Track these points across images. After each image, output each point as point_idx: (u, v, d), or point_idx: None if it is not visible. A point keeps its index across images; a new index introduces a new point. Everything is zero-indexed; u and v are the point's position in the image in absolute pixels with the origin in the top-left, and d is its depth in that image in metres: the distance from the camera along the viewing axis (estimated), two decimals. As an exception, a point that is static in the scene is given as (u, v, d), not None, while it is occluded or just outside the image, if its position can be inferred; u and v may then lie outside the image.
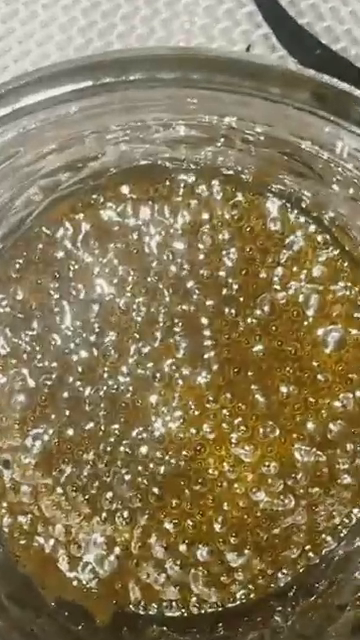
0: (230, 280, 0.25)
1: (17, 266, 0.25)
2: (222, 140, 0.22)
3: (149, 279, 0.25)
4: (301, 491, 0.25)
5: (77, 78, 0.17)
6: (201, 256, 0.25)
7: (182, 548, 0.25)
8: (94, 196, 0.24)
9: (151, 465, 0.25)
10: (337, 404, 0.25)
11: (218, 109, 0.19)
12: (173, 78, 0.16)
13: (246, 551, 0.25)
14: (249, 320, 0.25)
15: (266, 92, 0.18)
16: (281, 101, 0.18)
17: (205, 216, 0.25)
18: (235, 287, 0.25)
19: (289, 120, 0.19)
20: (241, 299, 0.25)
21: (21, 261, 0.25)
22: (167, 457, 0.25)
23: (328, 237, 0.25)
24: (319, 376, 0.25)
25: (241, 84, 0.18)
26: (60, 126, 0.18)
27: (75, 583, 0.25)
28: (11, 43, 0.27)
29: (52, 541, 0.25)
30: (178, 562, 0.25)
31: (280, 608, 0.24)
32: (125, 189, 0.24)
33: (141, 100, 0.18)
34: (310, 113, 0.19)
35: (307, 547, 0.25)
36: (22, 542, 0.25)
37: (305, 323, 0.25)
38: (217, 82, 0.17)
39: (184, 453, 0.25)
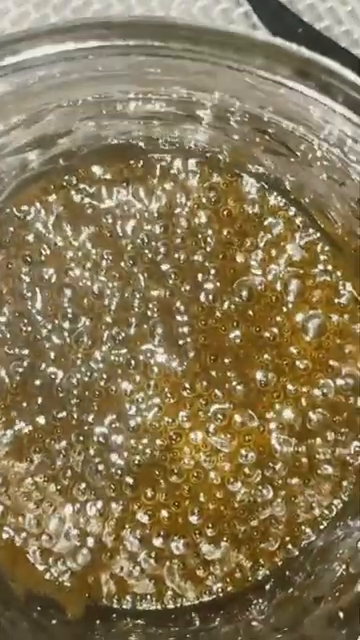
0: (207, 264, 0.24)
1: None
2: (196, 117, 0.21)
3: (123, 263, 0.24)
4: (280, 482, 0.24)
5: (35, 43, 0.16)
6: (177, 240, 0.24)
7: (157, 540, 0.24)
8: (66, 177, 0.24)
9: (125, 454, 0.24)
10: (317, 392, 0.24)
11: (184, 81, 0.18)
12: (133, 45, 0.16)
13: (223, 544, 0.24)
14: (226, 306, 0.24)
15: (244, 64, 0.17)
16: (258, 75, 0.18)
17: (181, 199, 0.24)
18: (212, 272, 0.24)
19: (259, 93, 0.18)
20: (218, 284, 0.24)
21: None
22: (141, 446, 0.24)
23: (307, 220, 0.24)
24: (298, 363, 0.24)
25: (208, 52, 0.17)
26: (21, 97, 0.17)
27: (47, 576, 0.24)
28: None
29: (23, 533, 0.24)
30: (153, 555, 0.24)
31: (256, 601, 0.23)
32: (98, 170, 0.24)
33: (103, 70, 0.17)
34: (290, 89, 0.18)
35: (286, 539, 0.24)
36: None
37: (284, 309, 0.24)
38: (180, 49, 0.16)
39: (159, 442, 0.24)
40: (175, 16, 0.25)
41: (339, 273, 0.24)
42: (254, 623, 0.22)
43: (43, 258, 0.24)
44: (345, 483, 0.24)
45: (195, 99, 0.20)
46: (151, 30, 0.16)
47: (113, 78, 0.18)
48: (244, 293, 0.24)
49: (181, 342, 0.24)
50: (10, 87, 0.17)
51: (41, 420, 0.24)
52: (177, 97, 0.20)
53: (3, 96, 0.17)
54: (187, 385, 0.24)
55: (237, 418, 0.24)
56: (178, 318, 0.24)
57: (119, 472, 0.24)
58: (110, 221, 0.24)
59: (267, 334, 0.24)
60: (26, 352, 0.24)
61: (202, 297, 0.24)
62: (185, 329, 0.24)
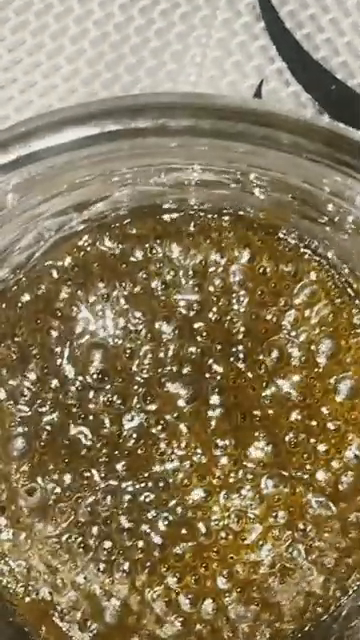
0: (239, 323, 0.24)
1: (19, 305, 0.24)
2: (234, 185, 0.21)
3: (156, 322, 0.24)
4: (310, 544, 0.24)
5: (86, 125, 0.16)
6: (210, 298, 0.24)
7: (185, 603, 0.24)
8: (99, 235, 0.24)
9: (154, 513, 0.24)
10: (349, 454, 0.24)
11: (229, 157, 0.18)
12: (183, 127, 0.16)
13: (252, 607, 0.24)
14: (257, 366, 0.24)
15: (278, 142, 0.17)
16: (293, 152, 0.18)
17: (215, 256, 0.24)
18: (243, 330, 0.24)
19: (301, 169, 0.18)
20: (249, 344, 0.24)
21: (24, 300, 0.24)
22: (171, 505, 0.24)
23: (340, 281, 0.24)
24: (329, 424, 0.24)
25: (253, 134, 0.17)
26: (67, 172, 0.17)
27: (73, 636, 0.24)
28: (36, 77, 0.26)
29: (48, 592, 0.24)
30: (180, 619, 0.24)
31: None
32: (132, 228, 0.24)
33: (151, 147, 0.17)
34: (322, 163, 0.18)
35: (316, 602, 0.24)
36: (18, 591, 0.24)
37: (316, 370, 0.24)
38: (228, 133, 0.16)
39: (189, 501, 0.24)
40: (223, 95, 0.25)
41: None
42: None
43: (74, 314, 0.24)
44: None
45: (234, 170, 0.20)
46: (206, 113, 0.16)
47: (160, 154, 0.18)
48: (274, 353, 0.24)
49: (211, 401, 0.24)
50: (58, 164, 0.17)
51: (67, 479, 0.24)
52: (218, 167, 0.20)
53: (51, 171, 0.17)
54: (218, 443, 0.24)
55: (267, 478, 0.24)
56: (208, 376, 0.24)
57: (147, 530, 0.24)
58: (144, 277, 0.24)
59: (297, 394, 0.24)
60: (54, 410, 0.24)
61: (233, 356, 0.24)
62: (215, 388, 0.24)
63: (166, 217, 0.24)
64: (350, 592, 0.24)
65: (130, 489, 0.24)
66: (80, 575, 0.24)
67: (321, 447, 0.24)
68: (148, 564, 0.24)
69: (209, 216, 0.24)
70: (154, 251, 0.24)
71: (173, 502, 0.24)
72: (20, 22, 0.26)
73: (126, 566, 0.24)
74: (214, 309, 0.24)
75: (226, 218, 0.24)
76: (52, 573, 0.24)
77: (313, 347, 0.24)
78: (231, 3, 0.26)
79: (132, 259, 0.24)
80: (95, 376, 0.24)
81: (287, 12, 0.26)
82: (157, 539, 0.24)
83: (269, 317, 0.24)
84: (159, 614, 0.24)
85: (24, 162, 0.17)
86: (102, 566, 0.24)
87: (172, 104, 0.16)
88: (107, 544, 0.24)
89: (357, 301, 0.24)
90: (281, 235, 0.24)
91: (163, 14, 0.26)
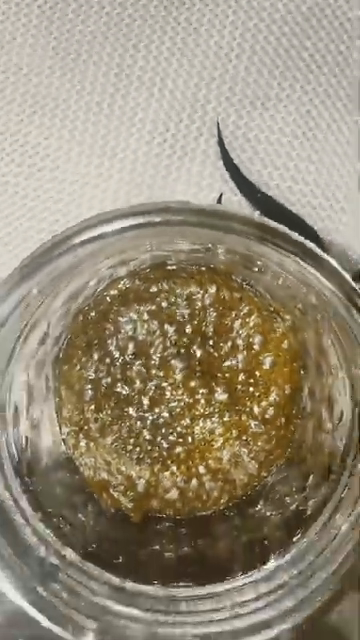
0: (210, 326, 0.43)
1: (89, 317, 0.43)
2: (206, 252, 0.41)
3: (164, 325, 0.43)
4: (250, 448, 0.43)
5: (126, 219, 0.34)
6: (195, 312, 0.43)
7: (180, 481, 0.43)
8: (132, 278, 0.43)
9: (163, 430, 0.43)
10: (271, 397, 0.43)
11: (203, 237, 0.38)
12: (179, 220, 0.34)
13: (219, 483, 0.43)
14: (220, 350, 0.43)
15: (231, 229, 0.37)
16: (240, 234, 0.37)
17: (197, 289, 0.43)
18: (212, 330, 0.43)
19: (244, 243, 0.37)
20: (215, 337, 0.43)
21: (91, 314, 0.43)
22: (173, 425, 0.43)
23: (265, 303, 0.43)
24: (260, 381, 0.43)
25: (217, 224, 0.36)
26: (115, 244, 0.36)
27: (121, 499, 0.43)
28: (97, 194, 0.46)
29: (105, 475, 0.43)
30: (178, 489, 0.43)
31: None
32: (150, 274, 0.43)
33: (160, 231, 0.36)
34: (255, 240, 0.37)
35: (254, 478, 0.43)
36: (90, 474, 0.43)
37: (252, 351, 0.43)
38: (205, 223, 0.35)
39: (183, 423, 0.43)
40: (201, 204, 0.44)
41: (280, 332, 0.43)
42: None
43: (119, 321, 0.43)
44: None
45: (206, 243, 0.40)
46: (191, 212, 0.35)
47: (163, 234, 0.37)
48: (229, 343, 0.43)
49: (195, 369, 0.43)
50: (114, 239, 0.36)
51: (116, 412, 0.43)
52: (197, 244, 0.40)
53: (110, 242, 0.36)
54: (198, 391, 0.43)
55: (226, 411, 0.43)
56: (192, 356, 0.43)
57: (160, 440, 0.43)
58: (157, 300, 0.43)
59: (243, 365, 0.43)
60: (108, 375, 0.43)
61: (206, 345, 0.43)
62: (197, 362, 0.43)
63: (169, 268, 0.43)
64: (272, 472, 0.43)
65: (150, 417, 0.43)
66: (123, 466, 0.43)
67: (256, 393, 0.43)
68: (161, 459, 0.43)
69: (193, 268, 0.43)
70: (163, 286, 0.43)
71: (174, 424, 0.43)
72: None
73: (148, 460, 0.43)
74: (196, 318, 0.43)
75: (203, 268, 0.43)
76: (107, 465, 0.43)
77: (250, 339, 0.43)
78: (205, 155, 0.46)
79: (151, 290, 0.43)
80: (130, 356, 0.43)
81: (238, 157, 0.46)
82: (165, 444, 0.43)
83: (227, 323, 0.43)
84: (166, 486, 0.43)
85: (98, 238, 0.35)
86: (135, 460, 0.43)
87: (173, 208, 0.35)
88: (137, 449, 0.43)
89: (274, 315, 0.44)
90: (233, 277, 0.43)
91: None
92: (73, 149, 0.46)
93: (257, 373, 0.43)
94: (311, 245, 0.35)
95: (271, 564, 0.38)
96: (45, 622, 0.35)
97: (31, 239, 0.46)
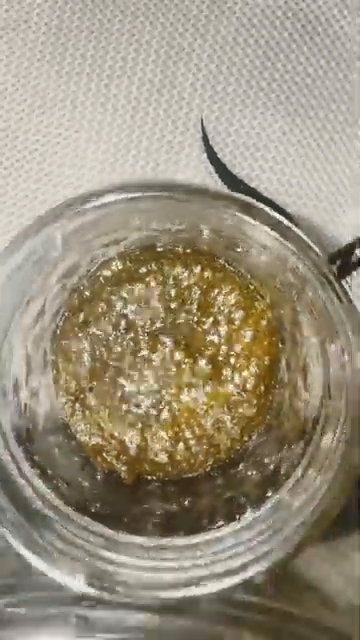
0: (195, 303, 0.47)
1: (84, 296, 0.47)
2: (191, 233, 0.45)
3: (153, 302, 0.47)
4: (232, 415, 0.47)
5: (116, 193, 0.39)
6: (181, 290, 0.47)
7: (169, 445, 0.47)
8: (124, 259, 0.47)
9: (152, 398, 0.47)
10: (251, 369, 0.47)
11: (190, 217, 0.42)
12: (166, 196, 0.39)
13: (204, 446, 0.47)
14: (204, 324, 0.47)
15: (219, 206, 0.40)
16: (225, 212, 0.41)
17: (183, 269, 0.47)
18: (196, 306, 0.47)
19: (227, 223, 0.41)
20: (199, 313, 0.47)
21: (86, 293, 0.47)
22: (162, 393, 0.47)
23: (246, 282, 0.47)
24: (241, 353, 0.47)
25: (204, 201, 0.40)
26: (104, 222, 0.40)
27: (114, 463, 0.46)
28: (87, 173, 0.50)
29: (100, 440, 0.47)
30: (167, 454, 0.47)
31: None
32: (140, 255, 0.47)
33: (150, 210, 0.40)
34: (238, 219, 0.41)
35: (236, 442, 0.47)
36: (85, 439, 0.46)
37: (233, 327, 0.47)
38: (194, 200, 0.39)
39: (171, 392, 0.47)
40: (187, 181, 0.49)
41: (259, 308, 0.47)
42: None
43: (112, 300, 0.47)
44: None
45: (191, 224, 0.44)
46: (174, 187, 0.39)
47: (147, 213, 0.41)
48: (211, 318, 0.47)
49: (180, 343, 0.47)
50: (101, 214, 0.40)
51: (108, 381, 0.47)
52: (184, 224, 0.44)
53: (103, 217, 0.40)
54: (184, 362, 0.47)
55: (210, 380, 0.47)
56: (179, 330, 0.47)
57: (149, 407, 0.47)
58: (147, 280, 0.47)
59: (224, 339, 0.47)
60: (101, 347, 0.47)
61: (191, 320, 0.47)
62: (183, 336, 0.47)
63: (158, 250, 0.47)
64: (253, 437, 0.47)
65: (140, 387, 0.47)
66: (116, 432, 0.47)
67: (237, 365, 0.47)
68: (150, 425, 0.47)
69: (179, 249, 0.47)
70: (152, 267, 0.47)
71: (162, 392, 0.47)
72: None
73: (139, 426, 0.47)
74: (182, 296, 0.47)
75: (188, 250, 0.47)
76: (101, 430, 0.47)
77: (232, 315, 0.47)
78: (189, 158, 0.51)
79: (140, 271, 0.47)
80: (122, 331, 0.47)
81: (222, 150, 0.51)
82: (154, 412, 0.47)
83: (210, 300, 0.47)
84: (156, 450, 0.46)
85: (83, 213, 0.39)
86: (127, 426, 0.47)
87: (162, 183, 0.39)
88: (129, 416, 0.47)
89: (254, 292, 0.47)
90: (216, 258, 0.47)
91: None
92: (59, 141, 0.51)
93: (238, 346, 0.47)
94: (289, 224, 0.39)
95: (249, 515, 0.42)
96: (39, 564, 0.39)
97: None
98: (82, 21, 0.49)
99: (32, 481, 0.42)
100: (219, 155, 0.50)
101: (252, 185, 0.50)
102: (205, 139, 0.50)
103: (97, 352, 0.47)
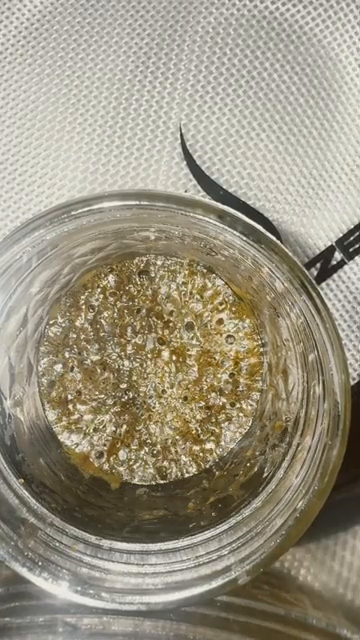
0: (177, 302, 0.48)
1: (67, 304, 0.48)
2: (171, 240, 0.46)
3: (138, 304, 0.48)
4: (210, 404, 0.47)
5: (96, 203, 0.39)
6: (165, 291, 0.48)
7: (156, 442, 0.47)
8: (104, 268, 0.48)
9: (135, 395, 0.47)
10: (233, 371, 0.48)
11: (167, 221, 0.43)
12: (145, 205, 0.39)
13: (188, 443, 0.47)
14: (189, 335, 0.48)
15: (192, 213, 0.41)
16: (200, 220, 0.41)
17: (166, 274, 0.48)
18: (175, 307, 0.48)
19: (202, 229, 0.41)
20: (181, 311, 0.48)
21: (67, 303, 0.48)
22: (145, 389, 0.47)
23: (222, 283, 0.48)
24: (219, 354, 0.47)
25: (184, 210, 0.41)
26: (83, 232, 0.41)
27: (102, 467, 0.47)
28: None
29: (88, 446, 0.47)
30: (153, 453, 0.47)
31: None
32: (119, 265, 0.48)
33: (130, 217, 0.41)
34: (213, 225, 0.42)
35: (220, 443, 0.47)
36: (72, 446, 0.47)
37: (214, 329, 0.48)
38: (170, 207, 0.39)
39: (155, 385, 0.47)
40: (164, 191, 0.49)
41: (240, 312, 0.48)
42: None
43: (95, 305, 0.47)
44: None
45: (166, 228, 0.44)
46: (152, 197, 0.39)
47: (129, 220, 0.42)
48: (190, 317, 0.48)
49: (166, 341, 0.48)
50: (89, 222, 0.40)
51: (97, 379, 0.47)
52: (157, 228, 0.44)
53: (76, 230, 0.40)
54: (164, 359, 0.47)
55: (191, 378, 0.47)
56: (161, 330, 0.48)
57: (134, 405, 0.47)
58: (128, 288, 0.48)
59: (204, 340, 0.48)
60: (91, 345, 0.47)
61: (171, 322, 0.48)
62: (167, 347, 0.48)
63: (137, 257, 0.48)
64: (237, 439, 0.47)
65: (126, 396, 0.47)
66: (102, 440, 0.47)
67: (220, 369, 0.47)
68: (140, 431, 0.47)
69: (159, 256, 0.48)
70: (132, 274, 0.48)
71: (146, 388, 0.47)
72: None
73: (124, 428, 0.47)
74: (164, 301, 0.48)
75: (168, 257, 0.48)
76: (87, 438, 0.47)
77: (213, 318, 0.48)
78: (171, 158, 0.51)
79: (121, 278, 0.48)
80: (107, 338, 0.47)
81: (200, 158, 0.51)
82: (141, 416, 0.47)
83: (192, 305, 0.48)
84: (141, 460, 0.47)
85: (63, 222, 0.40)
86: (113, 435, 0.47)
87: (140, 192, 0.40)
88: (116, 421, 0.47)
89: (235, 296, 0.48)
90: (196, 264, 0.48)
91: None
92: (39, 152, 0.51)
93: (220, 348, 0.47)
94: (265, 232, 0.39)
95: (233, 519, 0.42)
96: (24, 572, 0.39)
97: None
98: (61, 25, 0.50)
99: (17, 489, 0.43)
100: (198, 162, 0.51)
101: (231, 191, 0.51)
102: (184, 146, 0.51)
103: (82, 360, 0.47)
